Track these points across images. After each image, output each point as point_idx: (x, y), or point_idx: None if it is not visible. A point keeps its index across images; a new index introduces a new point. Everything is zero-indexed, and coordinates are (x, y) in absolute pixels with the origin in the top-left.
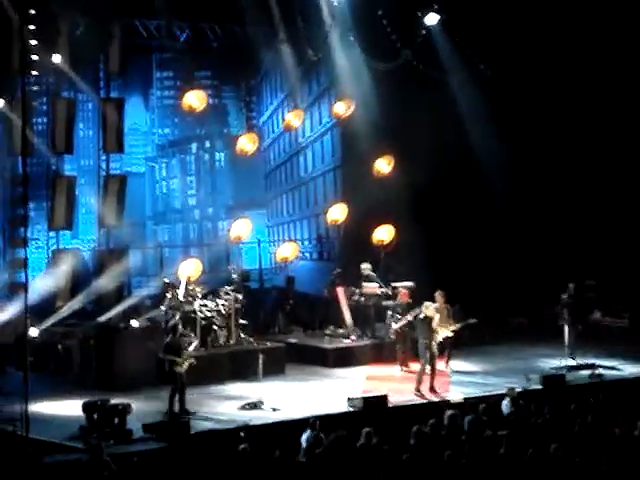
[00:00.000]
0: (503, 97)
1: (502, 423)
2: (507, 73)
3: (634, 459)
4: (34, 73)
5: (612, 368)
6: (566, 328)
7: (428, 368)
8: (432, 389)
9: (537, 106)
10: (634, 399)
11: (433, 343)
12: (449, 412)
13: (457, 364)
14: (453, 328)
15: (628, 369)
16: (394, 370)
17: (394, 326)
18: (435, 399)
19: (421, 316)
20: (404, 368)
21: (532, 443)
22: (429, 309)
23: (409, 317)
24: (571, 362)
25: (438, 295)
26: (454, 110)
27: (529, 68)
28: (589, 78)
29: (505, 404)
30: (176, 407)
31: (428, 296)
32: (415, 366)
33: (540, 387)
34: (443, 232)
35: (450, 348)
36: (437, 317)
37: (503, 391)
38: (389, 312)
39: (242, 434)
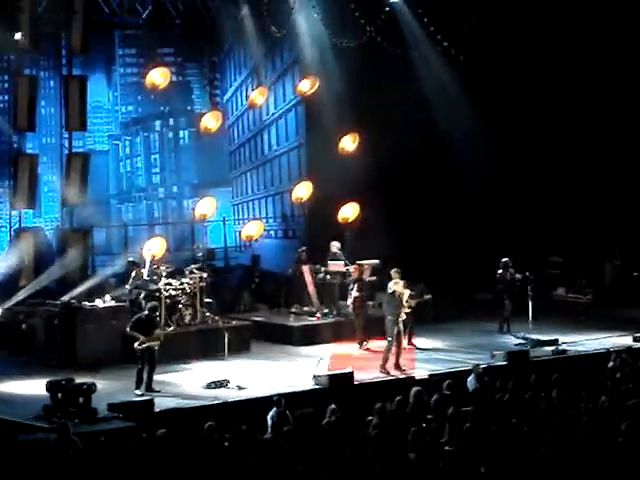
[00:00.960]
0: (468, 74)
1: (467, 399)
2: (471, 49)
3: (599, 433)
4: None
5: (575, 343)
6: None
7: (394, 345)
8: (397, 366)
9: (503, 82)
10: (597, 374)
11: (399, 320)
12: (414, 389)
13: (422, 341)
14: (410, 304)
15: (591, 344)
16: (356, 349)
17: (348, 301)
18: (401, 376)
19: (389, 291)
20: (361, 346)
21: (496, 419)
22: (398, 285)
23: (354, 292)
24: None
25: (394, 272)
26: (420, 87)
27: (495, 42)
28: (554, 48)
29: (470, 380)
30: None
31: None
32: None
33: (505, 363)
34: (409, 209)
35: (411, 325)
36: (407, 293)
37: (468, 367)
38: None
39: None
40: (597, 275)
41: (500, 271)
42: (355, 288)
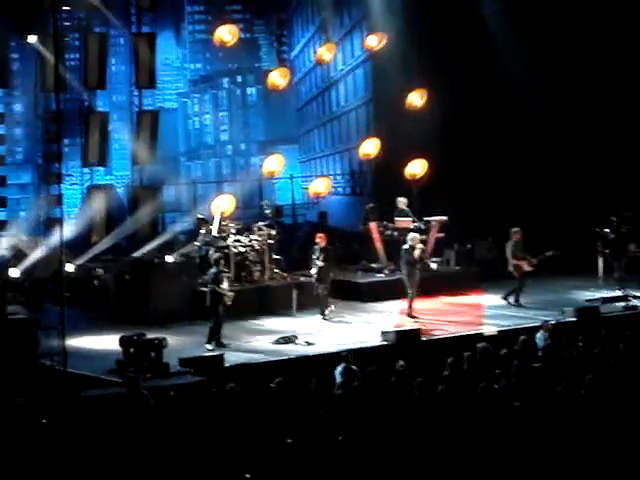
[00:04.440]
0: (537, 28)
1: (536, 356)
2: (544, 14)
3: None
4: (65, 8)
5: None
6: (600, 262)
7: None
8: (410, 314)
9: (571, 37)
10: None
11: (416, 271)
12: (481, 345)
13: (491, 297)
14: (534, 262)
15: None
16: (426, 304)
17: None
18: (470, 332)
19: (405, 247)
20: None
21: (566, 375)
22: (414, 240)
23: (319, 262)
24: (605, 294)
25: (516, 232)
26: (487, 42)
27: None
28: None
29: (539, 337)
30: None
31: (460, 228)
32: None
33: (574, 319)
34: (476, 165)
35: (523, 283)
36: (419, 247)
37: (537, 324)
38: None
39: None
40: None
41: (607, 229)
42: (321, 257)
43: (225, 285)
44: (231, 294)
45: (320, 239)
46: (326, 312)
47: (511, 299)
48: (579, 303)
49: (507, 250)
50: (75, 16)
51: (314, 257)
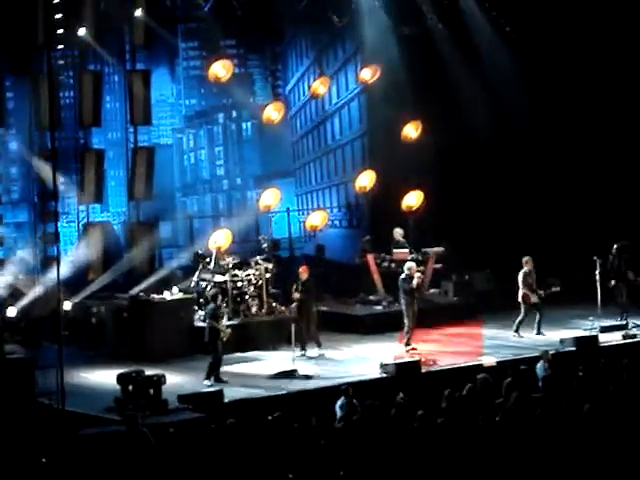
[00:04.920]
0: (531, 59)
1: (536, 386)
2: (536, 35)
3: None
4: (60, 47)
5: None
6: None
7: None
8: (408, 345)
9: (566, 68)
10: None
11: (415, 301)
12: (481, 376)
13: (490, 329)
14: (542, 295)
15: None
16: (427, 335)
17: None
18: (469, 364)
19: (403, 276)
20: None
21: (567, 405)
22: (412, 269)
23: (297, 294)
24: (603, 323)
25: (527, 261)
26: (482, 74)
27: (559, 29)
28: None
29: (539, 367)
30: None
31: (457, 259)
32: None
33: (573, 349)
34: (473, 196)
35: (540, 314)
36: (417, 275)
37: (537, 354)
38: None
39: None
40: None
41: (610, 257)
42: (300, 289)
43: (223, 321)
44: (228, 331)
45: (302, 271)
46: (307, 349)
47: (542, 329)
48: (577, 333)
49: (519, 279)
50: (69, 54)
51: (293, 289)
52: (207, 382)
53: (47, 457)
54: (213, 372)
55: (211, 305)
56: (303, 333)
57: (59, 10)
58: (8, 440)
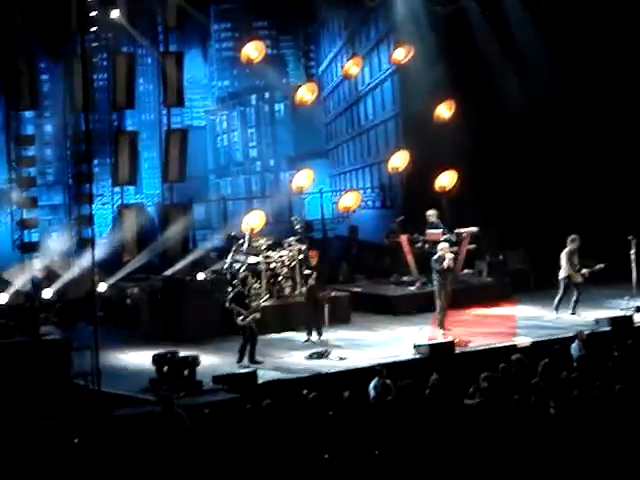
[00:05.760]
0: (563, 37)
1: (571, 366)
2: (569, 12)
3: None
4: (93, 29)
5: None
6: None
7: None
8: (442, 327)
9: (599, 46)
10: None
11: (448, 282)
12: (515, 356)
13: (525, 308)
14: (586, 274)
15: None
16: (460, 316)
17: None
18: (503, 344)
19: (435, 257)
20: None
21: (601, 385)
22: (444, 249)
23: (311, 280)
24: (638, 303)
25: (573, 239)
26: (515, 52)
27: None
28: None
29: (574, 347)
30: (245, 358)
31: (491, 239)
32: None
33: (608, 329)
34: (506, 176)
35: (578, 294)
36: (449, 256)
37: (572, 334)
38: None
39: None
40: None
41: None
42: (313, 276)
43: (257, 302)
44: (256, 315)
45: (313, 256)
46: (314, 335)
47: (578, 310)
48: (613, 313)
49: (562, 257)
50: (102, 36)
51: (306, 274)
52: (241, 363)
53: (81, 438)
54: (245, 354)
55: (237, 289)
56: (310, 318)
57: None
58: (44, 421)
